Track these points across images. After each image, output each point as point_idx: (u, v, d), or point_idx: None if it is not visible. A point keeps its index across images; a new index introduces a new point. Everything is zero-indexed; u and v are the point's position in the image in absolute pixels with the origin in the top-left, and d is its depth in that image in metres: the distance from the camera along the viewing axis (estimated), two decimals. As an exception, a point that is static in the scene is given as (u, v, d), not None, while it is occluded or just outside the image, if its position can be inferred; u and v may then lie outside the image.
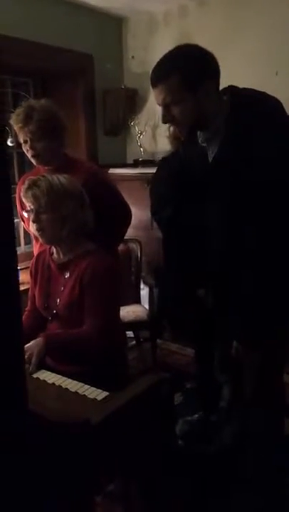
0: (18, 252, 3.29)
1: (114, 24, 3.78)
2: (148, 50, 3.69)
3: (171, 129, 2.01)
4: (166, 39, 3.53)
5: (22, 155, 3.48)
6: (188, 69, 1.53)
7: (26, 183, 1.85)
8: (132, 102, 3.76)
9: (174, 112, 1.57)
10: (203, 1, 3.36)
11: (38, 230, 1.83)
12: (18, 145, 3.36)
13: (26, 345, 1.68)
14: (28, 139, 2.11)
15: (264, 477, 1.87)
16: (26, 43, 2.98)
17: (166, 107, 1.58)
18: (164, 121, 1.63)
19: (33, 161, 2.20)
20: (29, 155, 2.17)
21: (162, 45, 3.47)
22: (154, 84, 1.59)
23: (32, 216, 1.81)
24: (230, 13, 3.25)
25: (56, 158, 2.19)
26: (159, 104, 1.60)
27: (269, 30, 3.11)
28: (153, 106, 3.60)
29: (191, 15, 3.46)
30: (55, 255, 1.92)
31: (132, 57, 3.81)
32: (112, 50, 3.78)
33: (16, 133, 2.20)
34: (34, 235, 2.00)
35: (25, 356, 1.64)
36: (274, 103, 1.57)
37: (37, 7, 3.08)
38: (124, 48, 3.85)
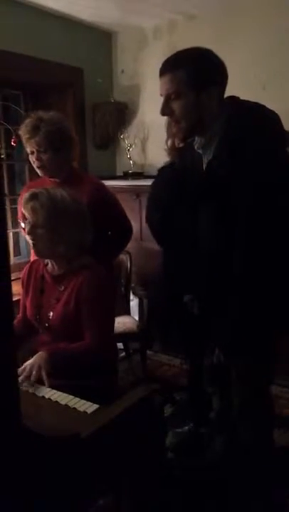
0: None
1: (104, 38, 3.81)
2: (137, 64, 3.74)
3: (169, 141, 2.06)
4: (155, 53, 3.57)
5: (12, 166, 3.49)
6: (198, 68, 1.56)
7: (28, 193, 1.82)
8: (122, 116, 3.79)
9: (173, 106, 1.59)
10: (192, 16, 3.41)
11: (31, 241, 1.81)
12: (8, 157, 3.40)
13: (29, 362, 1.65)
14: (35, 150, 2.12)
15: (256, 489, 1.87)
16: (17, 56, 3.00)
17: (167, 99, 1.60)
18: (163, 114, 1.63)
19: (39, 172, 2.21)
20: (35, 166, 2.18)
21: (151, 60, 3.53)
22: (161, 73, 1.61)
23: (28, 228, 1.79)
24: (219, 27, 3.30)
25: (62, 171, 2.20)
26: (161, 95, 1.61)
27: (256, 45, 3.16)
28: (142, 119, 3.64)
29: (180, 29, 3.51)
30: (49, 266, 1.90)
31: (122, 71, 3.85)
32: (102, 64, 3.82)
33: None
34: None
35: (33, 373, 1.61)
36: (270, 115, 1.60)
37: (28, 21, 3.10)
38: (113, 61, 3.89)
